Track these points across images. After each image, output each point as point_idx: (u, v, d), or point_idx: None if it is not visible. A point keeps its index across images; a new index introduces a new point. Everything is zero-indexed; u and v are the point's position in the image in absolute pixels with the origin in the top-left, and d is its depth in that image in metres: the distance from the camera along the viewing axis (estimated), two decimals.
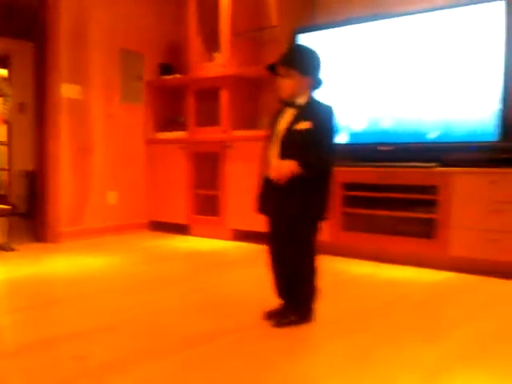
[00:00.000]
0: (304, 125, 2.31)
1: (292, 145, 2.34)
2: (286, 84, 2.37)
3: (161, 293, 3.01)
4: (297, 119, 2.35)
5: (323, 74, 2.44)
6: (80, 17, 4.80)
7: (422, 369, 1.91)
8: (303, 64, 2.37)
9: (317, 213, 2.39)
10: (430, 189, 3.60)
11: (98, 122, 5.00)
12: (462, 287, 3.18)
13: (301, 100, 2.38)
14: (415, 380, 1.82)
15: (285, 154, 2.35)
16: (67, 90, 4.72)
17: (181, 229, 5.17)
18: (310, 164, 2.28)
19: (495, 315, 2.60)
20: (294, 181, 2.29)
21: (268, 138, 2.47)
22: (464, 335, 2.28)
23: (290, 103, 2.40)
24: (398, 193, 3.76)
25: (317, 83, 2.40)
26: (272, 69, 2.44)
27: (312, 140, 2.29)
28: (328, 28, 4.26)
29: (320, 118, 2.33)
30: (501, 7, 3.46)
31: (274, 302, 2.46)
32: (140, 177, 5.37)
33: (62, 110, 4.68)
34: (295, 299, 2.42)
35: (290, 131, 2.36)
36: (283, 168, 2.29)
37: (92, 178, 4.97)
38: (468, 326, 2.42)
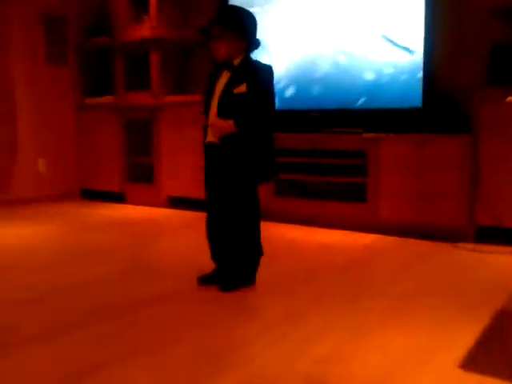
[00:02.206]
0: (240, 88, 2.31)
1: (229, 108, 2.34)
2: (222, 45, 2.34)
3: (94, 261, 2.98)
4: (233, 81, 2.35)
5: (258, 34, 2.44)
6: None
7: (350, 327, 2.01)
8: (239, 24, 2.35)
9: (256, 174, 2.41)
10: (359, 154, 3.70)
11: (21, 86, 4.78)
12: (390, 249, 3.32)
13: (237, 61, 2.37)
14: (337, 340, 1.90)
15: (223, 116, 2.35)
16: None
17: (115, 197, 5.09)
18: (246, 124, 2.30)
19: (418, 274, 2.74)
20: (231, 142, 2.32)
21: (205, 103, 2.46)
22: (391, 294, 2.40)
23: (226, 65, 2.38)
24: (329, 158, 3.84)
25: (253, 44, 2.39)
26: (205, 32, 2.40)
27: (249, 102, 2.30)
28: None
29: (256, 80, 2.33)
30: None
31: (209, 267, 2.50)
32: (70, 143, 5.22)
33: None
34: (236, 262, 2.46)
35: (226, 94, 2.36)
36: (219, 124, 2.32)
37: (19, 144, 4.78)
38: (395, 285, 2.55)
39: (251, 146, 2.35)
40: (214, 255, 2.50)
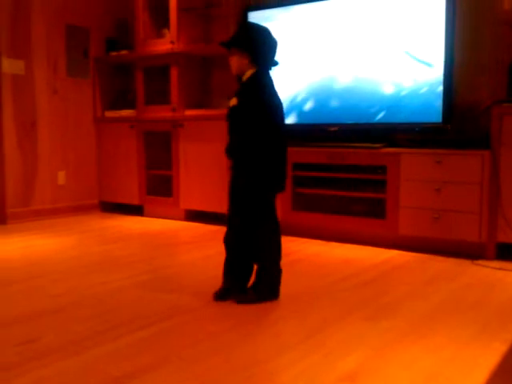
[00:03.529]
0: (232, 102, 2.39)
1: (228, 121, 2.43)
2: (232, 61, 2.43)
3: (112, 274, 3.00)
4: (233, 97, 2.42)
5: (275, 50, 2.47)
6: None
7: (369, 345, 1.99)
8: (243, 41, 2.40)
9: (260, 187, 2.41)
10: (378, 169, 3.68)
11: (43, 98, 4.86)
12: (409, 265, 3.29)
13: (245, 77, 2.42)
14: (362, 356, 1.89)
15: (228, 130, 2.44)
16: (9, 65, 4.56)
17: (133, 209, 5.13)
18: (238, 148, 2.38)
19: (438, 292, 2.71)
20: (237, 155, 2.41)
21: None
22: (410, 312, 2.38)
23: (237, 80, 2.46)
24: (348, 173, 3.83)
25: (260, 59, 2.40)
26: (226, 47, 2.49)
27: (239, 117, 2.36)
28: (276, 7, 4.24)
29: (249, 93, 2.37)
30: None
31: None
32: (90, 156, 5.27)
33: (4, 86, 4.52)
34: (244, 278, 2.48)
35: (228, 109, 2.44)
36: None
37: (39, 156, 4.84)
38: (414, 302, 2.52)
39: (248, 158, 2.38)
40: (228, 269, 2.51)
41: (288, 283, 2.69)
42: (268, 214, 2.48)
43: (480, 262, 3.28)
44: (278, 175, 2.46)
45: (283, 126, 2.47)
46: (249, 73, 2.40)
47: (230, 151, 2.41)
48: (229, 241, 2.50)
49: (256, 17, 4.30)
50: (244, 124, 2.35)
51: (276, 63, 2.45)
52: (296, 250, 3.61)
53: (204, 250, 3.64)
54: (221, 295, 2.49)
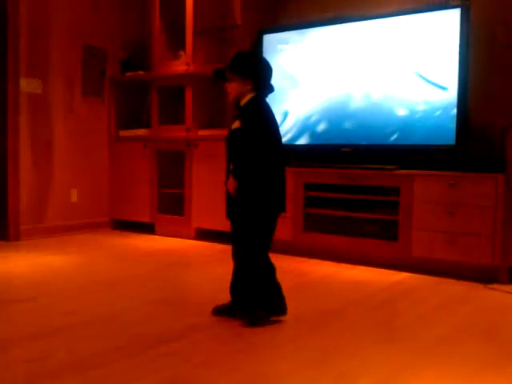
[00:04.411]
0: (235, 125, 2.44)
1: (229, 146, 2.48)
2: (230, 87, 2.50)
3: (123, 292, 3.00)
4: (234, 120, 2.48)
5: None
6: (41, 9, 4.70)
7: (381, 369, 1.97)
8: (243, 67, 2.48)
9: (257, 210, 2.43)
10: (391, 190, 3.68)
11: (59, 117, 4.92)
12: (422, 288, 3.26)
13: (243, 102, 2.48)
14: (374, 379, 1.87)
15: (228, 155, 2.49)
16: (27, 85, 4.63)
17: (145, 227, 5.14)
18: (242, 170, 2.40)
19: (450, 316, 2.69)
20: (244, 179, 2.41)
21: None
22: (422, 335, 2.35)
23: (236, 106, 2.52)
24: (361, 194, 3.82)
25: (261, 85, 2.48)
26: (219, 75, 2.58)
27: (240, 140, 2.40)
28: (291, 30, 4.29)
29: (251, 116, 2.42)
30: (456, 15, 3.55)
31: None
32: (103, 174, 5.31)
33: (21, 105, 4.59)
34: (243, 297, 2.49)
35: (228, 133, 2.50)
36: (229, 186, 2.44)
37: (53, 174, 4.89)
38: (426, 326, 2.50)
39: (251, 180, 2.41)
40: (233, 287, 2.54)
41: (299, 304, 2.67)
42: (262, 234, 2.47)
43: (493, 285, 3.24)
44: (281, 195, 2.49)
45: (282, 147, 2.52)
46: (247, 97, 2.47)
47: (237, 174, 2.41)
48: (233, 260, 2.53)
49: (271, 39, 4.35)
50: (247, 146, 2.38)
51: (273, 89, 2.52)
52: (307, 272, 3.59)
53: (214, 269, 3.63)
54: (219, 311, 2.53)
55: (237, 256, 2.50)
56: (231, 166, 2.44)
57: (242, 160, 2.40)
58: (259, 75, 2.47)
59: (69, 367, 1.94)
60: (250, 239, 2.44)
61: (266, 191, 2.42)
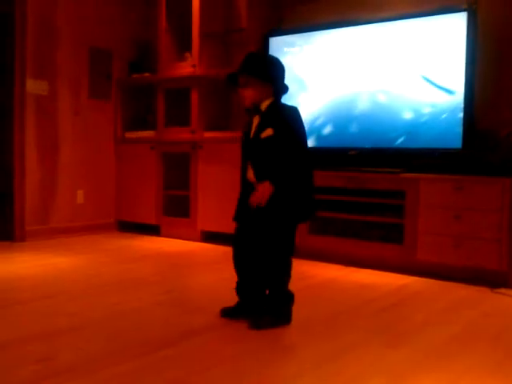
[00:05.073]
0: (267, 132, 2.34)
1: (260, 155, 2.38)
2: (248, 93, 2.39)
3: (128, 294, 3.00)
4: (261, 127, 2.38)
5: (286, 79, 2.48)
6: (48, 11, 4.72)
7: (387, 372, 1.95)
8: (263, 70, 2.39)
9: (293, 215, 2.40)
10: (397, 194, 3.66)
11: (65, 119, 4.93)
12: (427, 292, 3.25)
13: (264, 106, 2.40)
14: (381, 382, 1.86)
15: (256, 165, 2.39)
16: (33, 86, 4.64)
17: (150, 229, 5.15)
18: (280, 175, 2.32)
19: (456, 320, 2.67)
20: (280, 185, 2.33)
21: (243, 149, 2.51)
22: (428, 339, 2.34)
23: (255, 110, 2.42)
24: (366, 197, 3.81)
25: (280, 88, 2.42)
26: (232, 79, 2.48)
27: (278, 147, 2.32)
28: (297, 32, 4.29)
29: (283, 123, 2.35)
30: (463, 18, 3.54)
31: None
32: (108, 176, 5.32)
33: (28, 106, 4.61)
34: (271, 300, 2.45)
35: (256, 141, 2.39)
36: (262, 194, 2.32)
37: (59, 175, 4.90)
38: (432, 330, 2.48)
39: (288, 186, 2.35)
40: (240, 290, 2.52)
41: (304, 308, 2.66)
42: (291, 240, 2.46)
43: (500, 290, 3.23)
44: (313, 201, 2.45)
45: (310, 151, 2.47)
46: (267, 102, 2.40)
47: (275, 180, 2.31)
48: (243, 261, 2.50)
49: (277, 42, 4.35)
50: (284, 153, 2.31)
51: (287, 90, 2.46)
52: (312, 275, 3.58)
53: (220, 271, 3.63)
54: (228, 313, 2.51)
55: (259, 261, 2.44)
56: (261, 172, 2.36)
57: (282, 167, 2.32)
58: (279, 79, 2.42)
59: (74, 368, 1.94)
60: (284, 245, 2.41)
61: (300, 197, 2.39)
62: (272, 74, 2.40)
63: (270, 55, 2.49)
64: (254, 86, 2.37)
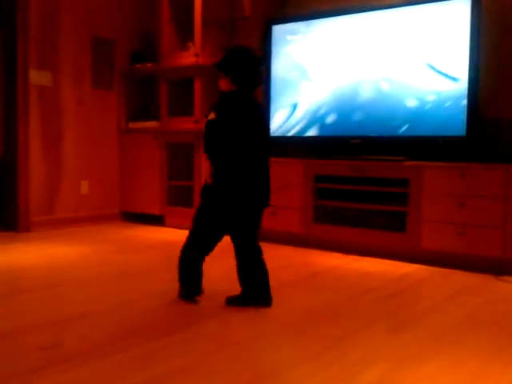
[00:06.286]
0: (210, 115, 2.57)
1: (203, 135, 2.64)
2: (220, 83, 2.64)
3: (133, 283, 3.02)
4: (210, 111, 2.64)
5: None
6: (51, 2, 4.71)
7: (391, 358, 1.97)
8: (224, 64, 2.62)
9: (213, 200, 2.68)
10: (401, 182, 3.66)
11: (69, 109, 4.93)
12: (431, 279, 3.25)
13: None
14: (384, 367, 1.87)
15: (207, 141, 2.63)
16: (37, 77, 4.64)
17: (154, 219, 5.16)
18: (212, 158, 2.58)
19: (459, 307, 2.68)
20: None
21: None
22: (432, 326, 2.35)
23: None
24: (370, 185, 3.81)
25: (241, 80, 2.58)
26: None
27: (211, 130, 2.55)
28: (300, 20, 4.27)
29: (215, 111, 2.56)
30: (467, 4, 3.51)
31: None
32: (113, 166, 5.33)
33: (31, 97, 4.61)
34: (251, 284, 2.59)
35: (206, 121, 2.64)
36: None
37: (63, 166, 4.91)
38: (436, 317, 2.49)
39: (216, 170, 2.58)
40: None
41: (308, 295, 2.68)
42: (203, 224, 2.81)
43: (504, 277, 3.23)
44: (253, 191, 2.57)
45: (259, 144, 2.58)
46: (229, 91, 2.61)
47: (212, 160, 2.58)
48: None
49: (279, 30, 4.33)
50: (217, 136, 2.54)
51: (256, 84, 2.62)
52: (316, 263, 3.59)
53: (224, 260, 3.63)
54: (231, 301, 2.59)
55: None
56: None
57: (213, 148, 2.55)
58: (239, 72, 2.57)
59: (81, 354, 1.96)
60: (196, 222, 2.78)
61: (232, 183, 2.55)
62: (230, 68, 2.58)
63: (237, 50, 2.61)
64: (221, 78, 2.62)
